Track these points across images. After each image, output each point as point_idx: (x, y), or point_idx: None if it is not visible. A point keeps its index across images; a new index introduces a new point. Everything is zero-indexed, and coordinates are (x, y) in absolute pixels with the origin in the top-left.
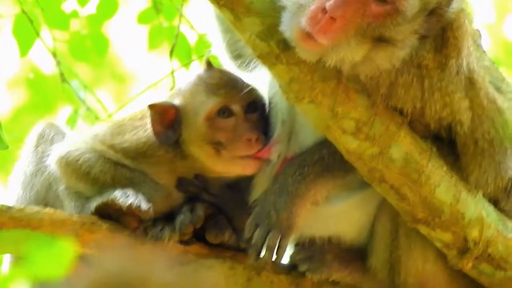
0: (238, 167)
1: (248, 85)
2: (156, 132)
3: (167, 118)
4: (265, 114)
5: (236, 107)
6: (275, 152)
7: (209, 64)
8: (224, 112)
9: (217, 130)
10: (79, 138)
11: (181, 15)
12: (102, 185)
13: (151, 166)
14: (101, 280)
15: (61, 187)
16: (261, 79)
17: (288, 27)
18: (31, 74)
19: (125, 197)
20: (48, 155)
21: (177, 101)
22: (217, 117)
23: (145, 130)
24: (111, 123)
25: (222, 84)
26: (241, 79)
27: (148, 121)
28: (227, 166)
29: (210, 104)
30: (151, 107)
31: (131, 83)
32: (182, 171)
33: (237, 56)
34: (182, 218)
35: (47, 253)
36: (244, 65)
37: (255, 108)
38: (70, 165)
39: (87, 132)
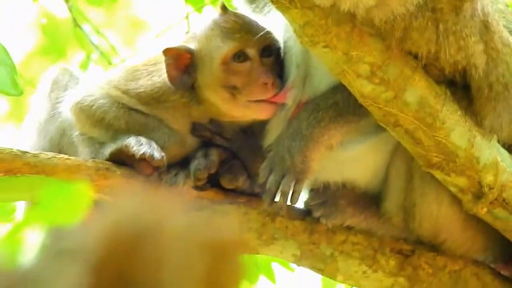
0: (253, 111)
1: (263, 29)
2: (171, 77)
3: (182, 63)
4: (280, 58)
5: (251, 51)
6: (290, 96)
7: (224, 8)
8: (239, 56)
9: (233, 75)
10: (93, 84)
11: None
12: (116, 131)
13: (166, 112)
14: (116, 225)
15: (75, 133)
16: (275, 23)
17: None
18: (44, 19)
19: (139, 145)
20: (62, 101)
21: (192, 46)
22: (232, 62)
23: (160, 75)
24: (125, 68)
25: (237, 28)
26: (256, 22)
27: (163, 66)
28: (243, 111)
29: (225, 48)
30: (166, 51)
31: (144, 28)
32: (197, 116)
33: (251, 0)
34: (196, 163)
35: (62, 198)
36: (259, 9)
37: (270, 52)
38: (84, 111)
39: (101, 78)
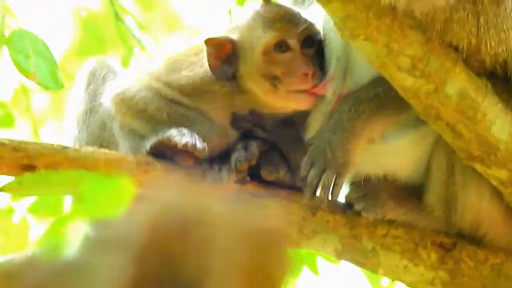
0: (294, 102)
1: (305, 20)
2: (212, 66)
3: (224, 52)
4: (322, 50)
5: (292, 42)
6: (330, 88)
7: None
8: (281, 46)
9: (274, 65)
10: (133, 75)
11: None
12: (158, 123)
13: (207, 103)
14: (160, 215)
15: (116, 126)
16: (316, 16)
17: None
18: (84, 13)
19: (181, 136)
20: (101, 93)
21: (233, 36)
22: (274, 51)
23: (202, 65)
24: (166, 58)
25: (279, 18)
26: (298, 13)
27: (204, 56)
28: (283, 101)
29: (266, 38)
30: (208, 41)
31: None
32: (238, 107)
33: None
34: (237, 155)
35: (103, 193)
36: (300, 1)
37: (311, 43)
38: (125, 102)
39: (141, 69)
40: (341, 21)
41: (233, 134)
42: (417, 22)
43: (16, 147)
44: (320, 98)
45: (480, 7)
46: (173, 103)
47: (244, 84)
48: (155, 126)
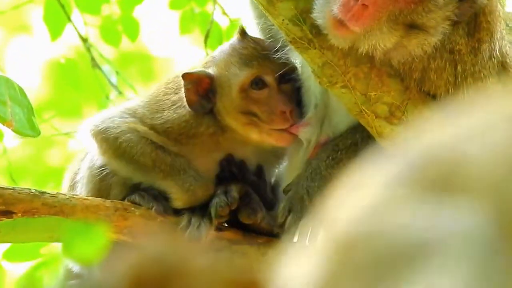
0: (273, 139)
1: (282, 56)
2: (190, 101)
3: (202, 87)
4: (299, 86)
5: (269, 78)
6: (305, 133)
7: (243, 33)
8: (257, 83)
9: (251, 102)
10: (116, 113)
11: (215, 1)
12: (140, 167)
13: (194, 148)
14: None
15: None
16: (294, 61)
17: (320, 14)
18: (62, 59)
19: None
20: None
21: (211, 70)
22: (250, 89)
23: (184, 105)
24: (147, 98)
25: (255, 54)
26: (275, 48)
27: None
28: (261, 137)
29: (242, 75)
30: (185, 76)
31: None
32: (224, 148)
33: (270, 40)
34: (218, 200)
35: (81, 239)
36: (277, 49)
37: (289, 79)
38: (108, 141)
39: (123, 107)
40: (319, 69)
41: (212, 181)
42: (395, 70)
43: None
44: (297, 137)
45: (457, 56)
46: (160, 149)
47: (223, 120)
48: (136, 169)
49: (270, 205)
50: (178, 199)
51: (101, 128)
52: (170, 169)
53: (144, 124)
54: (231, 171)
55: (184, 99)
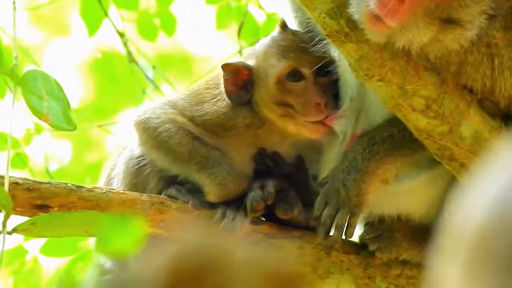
0: (307, 131)
1: (320, 49)
2: (228, 92)
3: (240, 78)
4: (336, 79)
5: (306, 70)
6: (340, 125)
7: (283, 26)
8: (294, 75)
9: (287, 93)
10: (157, 105)
11: None
12: (177, 157)
13: (232, 140)
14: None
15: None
16: (332, 56)
17: (356, 10)
18: (99, 54)
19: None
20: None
21: (250, 62)
22: (287, 80)
23: (224, 99)
24: (188, 92)
25: (293, 46)
26: (314, 42)
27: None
28: (296, 128)
29: (280, 67)
30: (224, 66)
31: (198, 63)
32: (261, 141)
33: (308, 33)
34: (253, 195)
35: (117, 233)
36: (315, 42)
37: (326, 72)
38: (147, 131)
39: (165, 99)
40: (355, 62)
41: (250, 177)
42: (431, 63)
43: (29, 187)
44: (332, 129)
45: (494, 49)
46: (196, 141)
47: (260, 111)
48: (173, 160)
49: (312, 194)
50: (211, 192)
51: (142, 119)
52: (204, 161)
53: (184, 116)
54: (266, 164)
55: (224, 91)
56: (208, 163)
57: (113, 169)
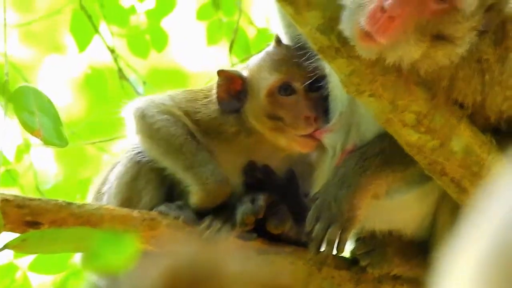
0: (297, 144)
1: (310, 64)
2: (220, 98)
3: (233, 87)
4: (327, 95)
5: (297, 84)
6: (329, 139)
7: (278, 41)
8: (286, 89)
9: (278, 106)
10: (156, 97)
11: (240, 10)
12: (168, 149)
13: (221, 144)
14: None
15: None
16: (322, 73)
17: (347, 26)
18: (89, 70)
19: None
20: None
21: (244, 73)
22: (278, 94)
23: (215, 103)
24: (185, 90)
25: (286, 61)
26: (305, 57)
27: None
28: (286, 142)
29: (271, 80)
30: (220, 72)
31: (190, 79)
32: (252, 153)
33: (299, 48)
34: (244, 208)
35: (108, 250)
36: (306, 58)
37: (317, 87)
38: (144, 119)
39: (163, 94)
40: (346, 77)
41: (236, 185)
42: (422, 78)
43: (20, 204)
44: (321, 143)
45: (485, 65)
46: (190, 136)
47: (250, 123)
48: (164, 152)
49: (303, 209)
50: (194, 194)
51: (140, 107)
52: (192, 159)
53: (180, 109)
54: (256, 177)
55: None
56: (195, 162)
57: (104, 184)
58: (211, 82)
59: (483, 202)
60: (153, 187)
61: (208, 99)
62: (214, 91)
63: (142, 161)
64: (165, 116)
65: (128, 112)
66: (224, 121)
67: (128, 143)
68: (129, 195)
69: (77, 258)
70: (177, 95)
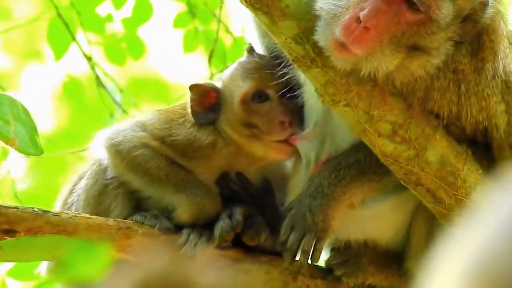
0: (273, 151)
1: (285, 71)
2: (194, 112)
3: (207, 101)
4: (301, 102)
5: (271, 92)
6: (304, 146)
7: (250, 50)
8: (260, 96)
9: (252, 114)
10: (128, 127)
11: (219, 21)
12: (153, 179)
13: (200, 161)
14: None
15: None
16: (297, 82)
17: (322, 37)
18: (66, 78)
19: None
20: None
21: (218, 85)
22: (252, 101)
23: (190, 120)
24: (157, 110)
25: (259, 68)
26: (279, 64)
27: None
28: (262, 149)
29: (245, 87)
30: (192, 87)
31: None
32: (229, 165)
33: (274, 58)
34: (222, 224)
35: (84, 258)
36: (282, 67)
37: (291, 94)
38: (121, 155)
39: (134, 120)
40: (321, 87)
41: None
42: (398, 89)
43: None
44: (296, 149)
45: (461, 75)
46: (174, 164)
47: (225, 133)
48: (149, 181)
49: (278, 218)
50: (186, 212)
51: (115, 142)
52: (182, 183)
53: (155, 138)
54: (231, 188)
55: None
56: (187, 184)
57: (71, 195)
58: (185, 96)
59: (471, 214)
60: (121, 200)
61: (184, 118)
62: (189, 106)
63: (109, 176)
64: (141, 150)
65: (100, 145)
66: (200, 135)
67: (93, 154)
68: (97, 210)
69: (43, 267)
70: (149, 122)
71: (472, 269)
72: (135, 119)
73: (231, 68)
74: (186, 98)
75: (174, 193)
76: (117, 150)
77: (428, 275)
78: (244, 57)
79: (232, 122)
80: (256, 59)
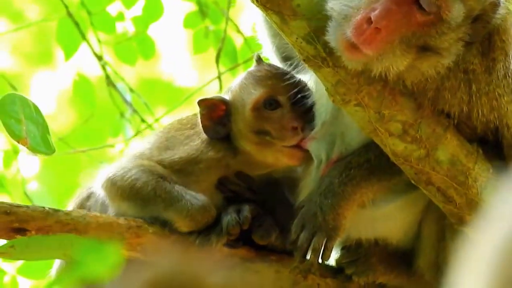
0: (286, 157)
1: (295, 77)
2: (205, 127)
3: (217, 114)
4: (312, 105)
5: (282, 98)
6: (313, 147)
7: (259, 60)
8: (271, 103)
9: (264, 120)
10: (124, 160)
11: (227, 19)
12: (144, 199)
13: (200, 173)
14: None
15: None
16: (308, 81)
17: (333, 37)
18: (77, 77)
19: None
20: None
21: (227, 97)
22: (264, 108)
23: (199, 137)
24: (158, 136)
25: (269, 75)
26: (289, 72)
27: (200, 127)
28: (275, 156)
29: (256, 94)
30: (200, 102)
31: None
32: (233, 169)
33: (285, 58)
34: (229, 219)
35: (94, 257)
36: (293, 67)
37: (302, 100)
38: (116, 183)
39: (132, 152)
40: (332, 87)
41: (217, 206)
42: (408, 89)
43: (7, 210)
44: (308, 153)
45: (472, 75)
46: (161, 178)
47: (238, 143)
48: (142, 205)
49: (288, 217)
50: (182, 226)
51: (110, 176)
52: (169, 197)
53: (150, 160)
54: (232, 190)
55: (201, 133)
56: (173, 198)
57: (88, 199)
58: (192, 115)
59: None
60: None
61: (190, 138)
62: (198, 126)
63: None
64: (133, 170)
65: (99, 186)
66: (208, 149)
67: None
68: None
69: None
70: (147, 151)
71: (490, 268)
72: (132, 152)
73: (240, 77)
74: (193, 116)
75: (164, 209)
76: (112, 180)
77: (450, 279)
78: (253, 66)
79: (243, 130)
80: (265, 67)
